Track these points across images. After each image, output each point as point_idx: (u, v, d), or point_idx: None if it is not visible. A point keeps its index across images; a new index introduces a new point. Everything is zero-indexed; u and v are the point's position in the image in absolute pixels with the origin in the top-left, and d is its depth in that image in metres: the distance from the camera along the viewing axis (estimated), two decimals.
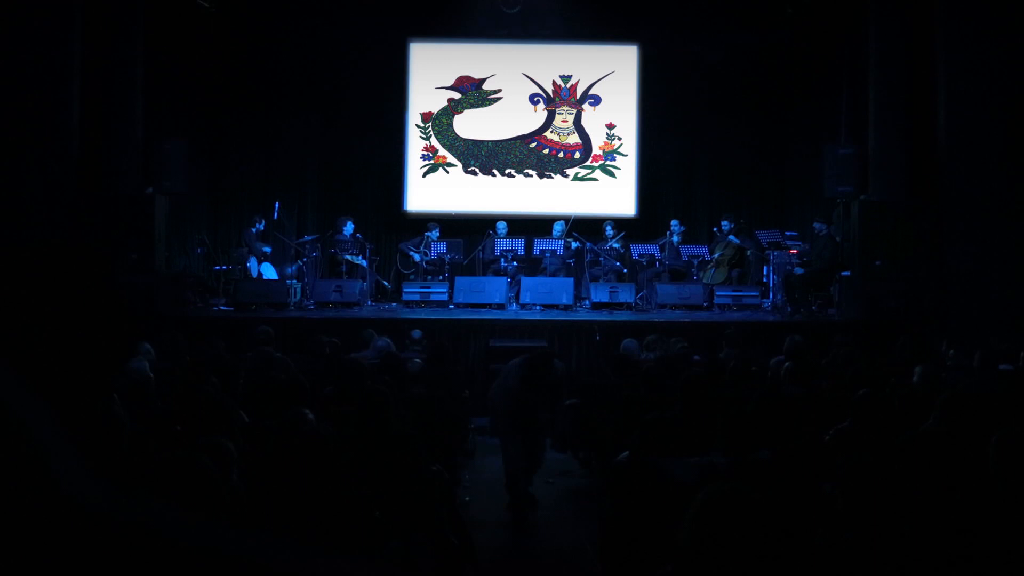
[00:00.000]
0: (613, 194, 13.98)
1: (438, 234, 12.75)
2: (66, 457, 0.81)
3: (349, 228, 12.58)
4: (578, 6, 13.32)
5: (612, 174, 14.05)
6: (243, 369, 6.64)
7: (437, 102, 14.03)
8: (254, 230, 12.41)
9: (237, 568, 0.82)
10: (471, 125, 14.04)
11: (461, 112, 14.04)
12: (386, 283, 13.07)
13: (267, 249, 12.51)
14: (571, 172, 14.04)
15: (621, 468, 4.36)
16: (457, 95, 14.03)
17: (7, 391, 0.81)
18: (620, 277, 12.35)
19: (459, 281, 11.80)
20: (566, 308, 11.37)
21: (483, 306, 11.39)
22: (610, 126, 14.05)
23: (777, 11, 13.11)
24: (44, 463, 0.80)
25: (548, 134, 14.06)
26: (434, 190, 13.99)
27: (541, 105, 14.06)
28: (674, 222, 12.82)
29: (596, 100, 14.07)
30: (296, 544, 0.86)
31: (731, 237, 12.61)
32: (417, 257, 12.62)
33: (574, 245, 12.65)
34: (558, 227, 12.89)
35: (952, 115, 10.67)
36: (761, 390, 5.99)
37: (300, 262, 12.59)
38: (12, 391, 0.82)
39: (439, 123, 14.05)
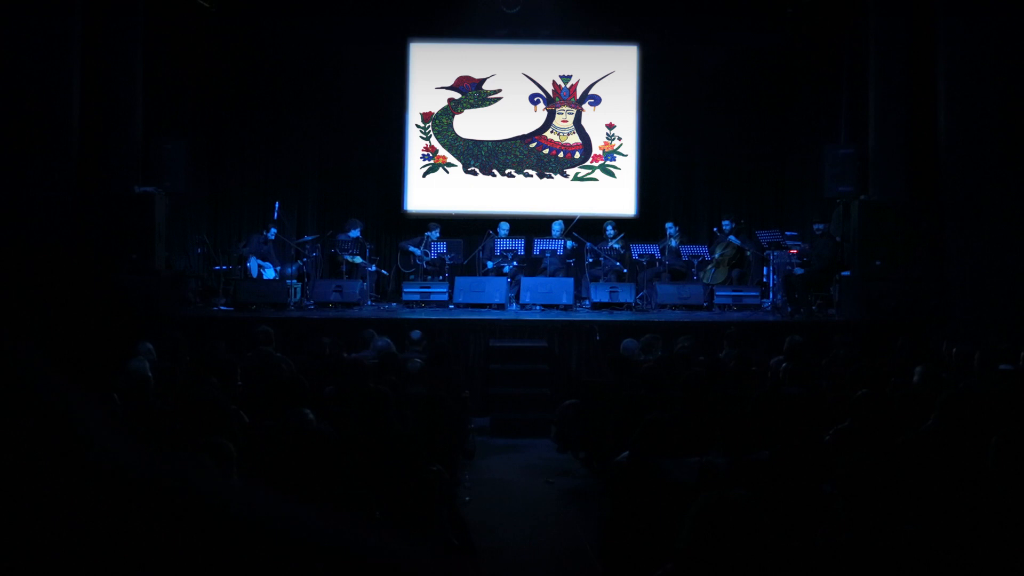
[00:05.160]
0: (613, 194, 13.98)
1: (438, 234, 12.74)
2: (92, 417, 0.83)
3: (356, 232, 12.58)
4: (578, 6, 13.31)
5: (612, 174, 14.05)
6: (243, 369, 6.64)
7: (437, 102, 14.03)
8: (260, 237, 12.38)
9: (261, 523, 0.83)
10: (471, 125, 14.04)
11: (461, 112, 14.04)
12: (384, 272, 13.04)
13: (267, 248, 12.51)
14: (571, 172, 14.04)
15: (621, 468, 4.36)
16: (457, 95, 14.03)
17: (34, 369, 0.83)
18: (620, 277, 12.35)
19: (459, 281, 11.79)
20: (566, 308, 11.37)
21: (483, 306, 11.39)
22: (610, 126, 14.05)
23: (777, 11, 13.11)
24: (72, 424, 0.82)
25: (548, 134, 14.06)
26: (434, 190, 13.99)
27: (541, 105, 14.06)
28: (669, 225, 12.81)
29: (596, 100, 14.07)
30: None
31: (731, 237, 12.61)
32: (418, 252, 12.61)
33: (570, 244, 12.63)
34: (556, 227, 12.90)
35: (952, 115, 10.67)
36: (761, 390, 6.00)
37: (300, 262, 12.59)
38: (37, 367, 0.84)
39: (439, 123, 14.05)
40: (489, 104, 14.05)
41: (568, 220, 12.89)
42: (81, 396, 0.84)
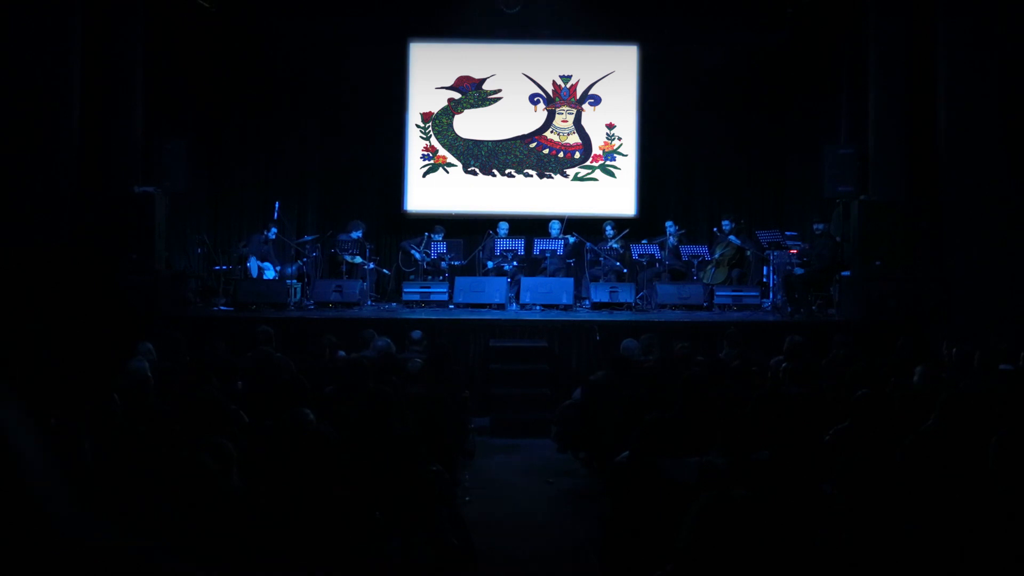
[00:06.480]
0: (613, 194, 13.98)
1: (442, 236, 12.71)
2: (56, 488, 0.81)
3: (358, 233, 12.57)
4: (578, 6, 13.31)
5: (612, 174, 14.05)
6: (243, 369, 6.64)
7: (437, 102, 14.03)
8: (261, 237, 12.38)
9: None
10: (471, 125, 14.03)
11: (461, 112, 14.04)
12: (385, 271, 13.04)
13: (267, 248, 12.50)
14: (571, 172, 14.04)
15: (621, 468, 4.36)
16: (457, 95, 14.03)
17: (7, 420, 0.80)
18: (620, 277, 12.35)
19: (459, 281, 11.79)
20: (566, 308, 11.36)
21: (483, 306, 11.39)
22: (610, 126, 14.05)
23: (777, 11, 13.11)
24: (35, 494, 0.80)
25: (548, 134, 14.06)
26: (434, 190, 13.99)
27: (541, 105, 14.06)
28: (669, 224, 12.81)
29: (596, 100, 14.07)
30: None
31: (731, 237, 12.61)
32: (418, 255, 12.61)
33: (571, 239, 12.64)
34: (555, 226, 12.89)
35: (952, 115, 10.67)
36: (761, 390, 6.00)
37: (300, 262, 12.59)
38: (11, 421, 0.81)
39: (439, 123, 14.05)
40: (489, 104, 14.05)
41: (562, 220, 12.89)
42: (47, 459, 0.81)
